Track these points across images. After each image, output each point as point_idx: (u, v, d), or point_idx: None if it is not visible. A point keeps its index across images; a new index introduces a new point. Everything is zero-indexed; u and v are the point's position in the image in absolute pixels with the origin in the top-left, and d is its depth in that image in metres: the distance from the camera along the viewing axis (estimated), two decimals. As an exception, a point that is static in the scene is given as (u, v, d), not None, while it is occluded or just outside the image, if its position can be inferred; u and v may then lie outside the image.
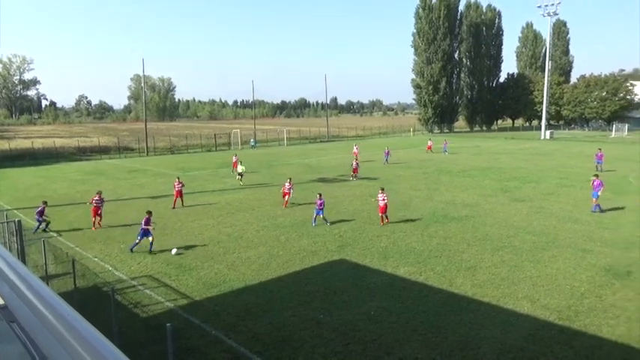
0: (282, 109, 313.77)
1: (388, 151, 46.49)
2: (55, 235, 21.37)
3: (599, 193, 24.35)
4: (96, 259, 17.87)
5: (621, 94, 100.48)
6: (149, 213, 18.76)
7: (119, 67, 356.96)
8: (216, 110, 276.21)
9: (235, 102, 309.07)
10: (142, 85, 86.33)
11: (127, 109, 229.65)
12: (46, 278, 14.30)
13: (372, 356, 10.60)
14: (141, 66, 63.51)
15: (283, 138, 79.07)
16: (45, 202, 22.26)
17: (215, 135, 73.40)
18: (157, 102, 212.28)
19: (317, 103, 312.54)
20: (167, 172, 43.61)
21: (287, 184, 26.66)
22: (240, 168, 35.13)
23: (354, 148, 50.57)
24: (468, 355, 10.56)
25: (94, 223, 22.37)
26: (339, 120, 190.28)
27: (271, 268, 16.58)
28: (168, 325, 8.56)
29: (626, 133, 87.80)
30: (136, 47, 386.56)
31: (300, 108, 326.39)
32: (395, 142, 72.96)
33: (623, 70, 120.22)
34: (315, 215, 22.38)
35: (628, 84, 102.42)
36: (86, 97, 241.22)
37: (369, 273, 15.94)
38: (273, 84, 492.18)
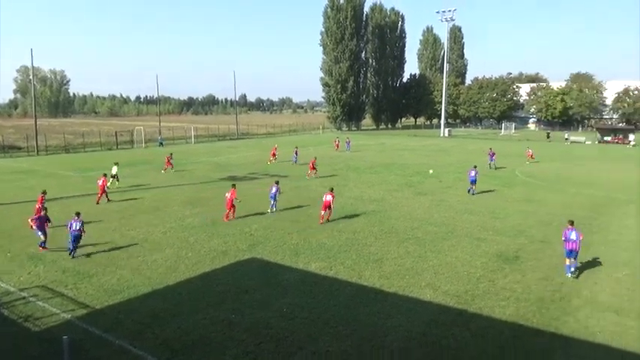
0: (190, 105, 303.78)
1: (296, 151, 46.46)
2: None
3: (476, 179, 29.17)
4: (-23, 270, 16.01)
5: (509, 95, 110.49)
6: (78, 214, 17.77)
7: (3, 58, 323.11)
8: (117, 106, 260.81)
9: (138, 98, 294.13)
10: (31, 77, 78.92)
11: (13, 104, 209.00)
12: None
13: (284, 353, 10.62)
14: (29, 56, 56.72)
15: (191, 136, 76.59)
16: None
17: (116, 132, 69.03)
18: (49, 96, 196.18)
19: (226, 99, 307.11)
20: (61, 172, 40.35)
21: (229, 193, 22.81)
22: (114, 169, 32.22)
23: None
24: (377, 344, 10.97)
25: None
26: (249, 117, 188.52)
27: (179, 270, 15.97)
28: (64, 337, 7.93)
29: (513, 131, 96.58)
30: (23, 36, 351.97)
31: (208, 105, 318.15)
32: (305, 140, 73.78)
33: (510, 74, 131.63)
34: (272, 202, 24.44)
35: (514, 86, 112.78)
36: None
37: (280, 270, 15.95)
38: (180, 80, 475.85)
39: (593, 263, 16.56)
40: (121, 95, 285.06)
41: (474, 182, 29.04)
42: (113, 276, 15.40)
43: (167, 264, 16.57)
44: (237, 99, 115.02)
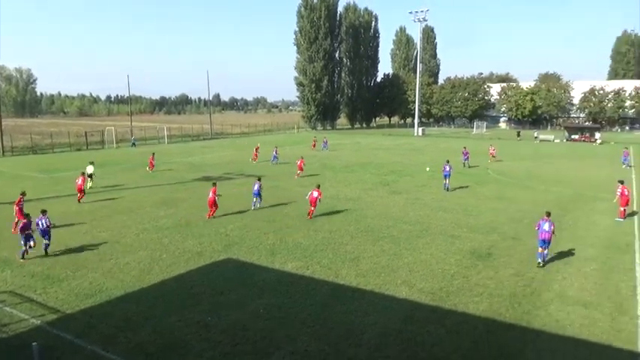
0: (162, 105, 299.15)
1: (276, 151, 46.22)
2: None
3: (450, 174, 30.57)
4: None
5: (480, 95, 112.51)
6: (43, 212, 17.46)
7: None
8: (86, 106, 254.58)
9: (109, 97, 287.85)
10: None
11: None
12: None
13: (262, 354, 10.58)
14: (-7, 55, 54.97)
15: (164, 136, 75.39)
16: None
17: (86, 133, 67.46)
18: (14, 96, 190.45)
19: (199, 99, 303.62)
20: (28, 174, 39.20)
21: (211, 192, 22.81)
22: (90, 169, 31.51)
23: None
24: (354, 342, 11.03)
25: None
26: (223, 117, 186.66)
27: (153, 272, 15.71)
28: (34, 344, 7.70)
29: (484, 130, 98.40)
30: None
31: (181, 104, 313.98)
32: (280, 140, 73.55)
33: (482, 74, 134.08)
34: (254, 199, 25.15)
35: (486, 86, 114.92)
36: None
37: (256, 271, 15.86)
38: (152, 79, 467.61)
39: (563, 258, 17.01)
40: (91, 94, 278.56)
41: (447, 176, 30.39)
42: (84, 279, 15.05)
43: (140, 266, 16.29)
44: (210, 98, 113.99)
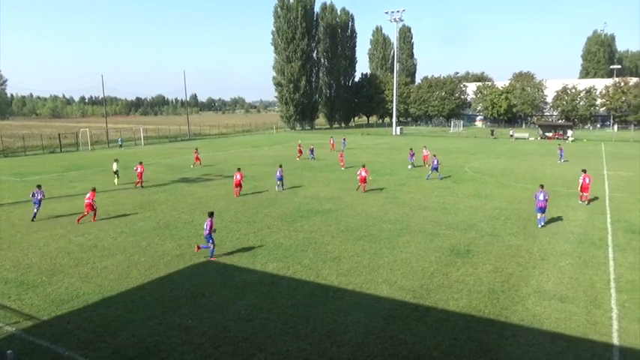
0: (138, 106, 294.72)
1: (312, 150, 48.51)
2: None
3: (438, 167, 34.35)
4: None
5: (457, 94, 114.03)
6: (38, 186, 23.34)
7: None
8: (59, 107, 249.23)
9: (83, 98, 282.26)
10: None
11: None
12: None
13: (244, 355, 10.51)
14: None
15: (140, 137, 74.25)
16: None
17: (60, 135, 65.95)
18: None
19: (176, 100, 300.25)
20: None
21: (238, 175, 28.36)
22: (115, 166, 34.13)
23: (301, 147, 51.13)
24: (337, 342, 11.05)
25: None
26: (201, 118, 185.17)
27: (132, 276, 15.46)
28: (9, 352, 7.50)
29: (461, 128, 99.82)
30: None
31: (157, 105, 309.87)
32: (259, 140, 73.20)
33: (457, 73, 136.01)
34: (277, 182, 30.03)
35: (462, 85, 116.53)
36: None
37: (237, 272, 15.75)
38: (127, 80, 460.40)
39: (539, 254, 17.37)
40: (64, 96, 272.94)
41: (436, 169, 34.10)
42: (60, 285, 14.72)
43: (118, 270, 16.01)
44: (187, 99, 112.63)
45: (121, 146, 66.40)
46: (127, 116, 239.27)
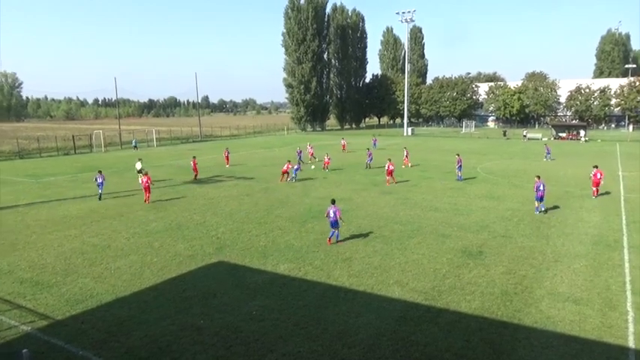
0: (150, 108, 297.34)
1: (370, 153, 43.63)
2: None
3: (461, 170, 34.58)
4: None
5: (468, 95, 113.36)
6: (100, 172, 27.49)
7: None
8: (73, 110, 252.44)
9: (96, 100, 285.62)
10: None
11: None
12: None
13: (255, 356, 10.53)
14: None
15: (152, 139, 74.88)
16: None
17: (73, 136, 66.78)
18: (0, 100, 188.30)
19: (188, 101, 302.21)
20: (14, 179, 38.67)
21: (286, 165, 33.24)
22: (138, 165, 35.54)
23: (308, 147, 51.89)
24: (348, 343, 11.03)
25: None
26: (212, 119, 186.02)
27: (145, 276, 15.59)
28: (24, 350, 7.61)
29: (473, 129, 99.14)
30: None
31: (170, 107, 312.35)
32: (270, 141, 73.43)
33: (469, 73, 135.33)
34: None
35: (474, 85, 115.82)
36: None
37: (248, 273, 15.81)
38: (140, 81, 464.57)
39: (553, 255, 17.17)
40: (78, 98, 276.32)
41: (460, 169, 34.58)
42: (74, 285, 14.89)
43: (131, 270, 16.16)
44: (199, 101, 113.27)
45: (135, 147, 67.26)
46: (140, 118, 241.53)
